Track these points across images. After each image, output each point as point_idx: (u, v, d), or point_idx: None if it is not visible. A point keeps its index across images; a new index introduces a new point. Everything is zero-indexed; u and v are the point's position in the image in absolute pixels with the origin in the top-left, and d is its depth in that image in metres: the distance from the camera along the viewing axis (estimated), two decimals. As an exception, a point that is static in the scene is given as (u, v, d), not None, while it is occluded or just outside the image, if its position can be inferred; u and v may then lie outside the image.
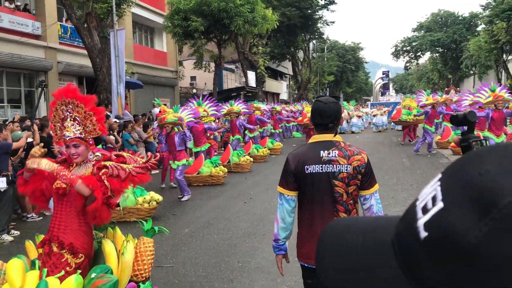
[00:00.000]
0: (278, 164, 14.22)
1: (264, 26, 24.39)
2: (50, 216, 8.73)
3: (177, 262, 5.76)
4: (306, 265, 2.89)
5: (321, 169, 2.76)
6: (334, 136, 2.85)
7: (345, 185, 2.78)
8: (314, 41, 51.13)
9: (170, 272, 5.40)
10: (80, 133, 3.07)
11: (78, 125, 3.06)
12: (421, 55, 65.75)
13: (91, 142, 3.13)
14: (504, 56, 36.68)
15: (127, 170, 3.03)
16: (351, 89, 67.56)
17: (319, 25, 42.56)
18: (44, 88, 7.08)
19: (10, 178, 7.28)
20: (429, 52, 62.80)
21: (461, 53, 51.54)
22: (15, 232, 7.45)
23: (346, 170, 2.77)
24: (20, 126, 9.04)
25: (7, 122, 9.43)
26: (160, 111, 10.42)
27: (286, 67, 49.23)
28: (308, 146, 2.90)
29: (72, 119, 3.05)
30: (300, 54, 45.73)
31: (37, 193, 3.26)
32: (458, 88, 38.84)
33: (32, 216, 8.37)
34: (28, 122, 9.80)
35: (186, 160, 10.10)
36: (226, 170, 11.77)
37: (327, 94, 52.55)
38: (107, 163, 3.04)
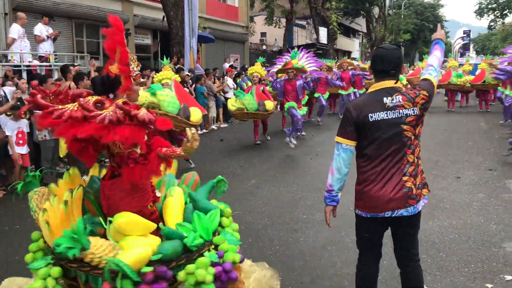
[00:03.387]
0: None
1: (338, -20, 23.49)
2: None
3: (244, 210, 5.92)
4: (369, 215, 2.84)
5: (387, 116, 2.71)
6: (396, 83, 2.78)
7: (412, 128, 2.75)
8: (391, -3, 48.70)
9: (237, 219, 5.52)
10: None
11: None
12: (508, 14, 60.72)
13: None
14: None
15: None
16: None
17: (397, -21, 40.37)
18: (127, 37, 7.24)
19: (90, 123, 7.71)
20: (518, 10, 57.89)
21: (556, 11, 47.12)
22: (94, 174, 7.96)
23: (413, 112, 2.74)
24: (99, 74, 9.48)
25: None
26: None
27: (360, 24, 47.40)
28: (368, 95, 2.83)
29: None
30: (376, 11, 43.86)
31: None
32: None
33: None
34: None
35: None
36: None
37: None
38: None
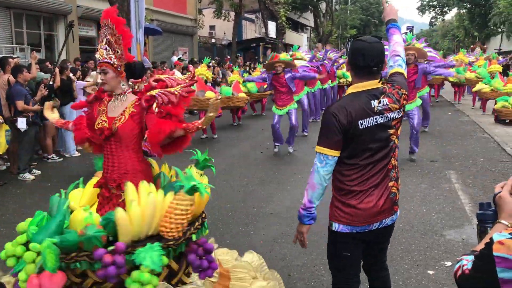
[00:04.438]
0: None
1: (286, -25, 23.66)
2: (69, 158, 8.96)
3: (194, 205, 5.86)
4: (356, 229, 2.50)
5: (375, 121, 2.42)
6: (379, 82, 2.47)
7: (396, 130, 2.52)
8: (337, -8, 49.69)
9: (187, 215, 5.51)
10: (110, 58, 2.76)
11: (109, 48, 2.77)
12: (448, 11, 63.42)
13: (119, 70, 2.82)
14: (536, 13, 35.11)
15: (176, 93, 2.70)
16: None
17: (343, -25, 41.20)
18: (72, 29, 6.92)
19: (31, 119, 7.38)
20: (456, 8, 60.49)
21: (490, 9, 49.48)
22: (36, 171, 7.65)
23: (398, 114, 2.50)
24: (41, 68, 9.06)
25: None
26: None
27: (308, 18, 48.03)
28: (353, 96, 2.46)
29: (106, 41, 2.77)
30: (323, 6, 44.55)
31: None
32: (485, 46, 37.37)
33: (53, 157, 8.56)
34: (48, 64, 9.82)
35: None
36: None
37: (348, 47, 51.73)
38: (153, 92, 2.71)
